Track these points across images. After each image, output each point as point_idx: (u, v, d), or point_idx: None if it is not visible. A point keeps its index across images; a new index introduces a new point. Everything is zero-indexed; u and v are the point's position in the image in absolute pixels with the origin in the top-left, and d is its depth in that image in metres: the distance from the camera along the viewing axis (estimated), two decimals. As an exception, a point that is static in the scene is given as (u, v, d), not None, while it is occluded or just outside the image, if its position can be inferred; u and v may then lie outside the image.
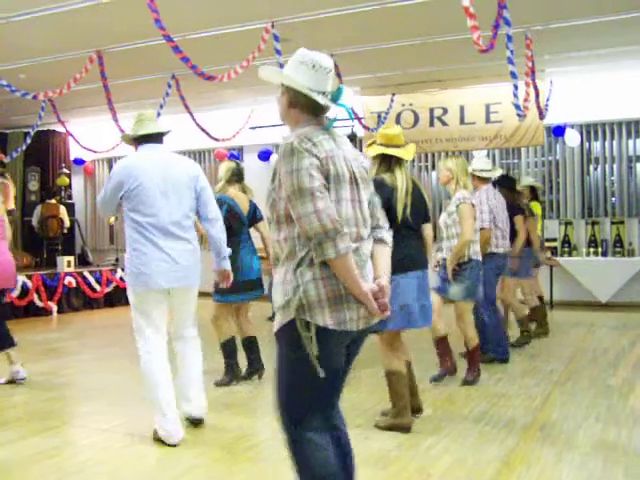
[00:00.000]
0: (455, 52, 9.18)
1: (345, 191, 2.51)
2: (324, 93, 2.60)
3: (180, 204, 4.38)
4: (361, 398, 5.40)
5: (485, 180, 6.77)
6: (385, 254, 2.67)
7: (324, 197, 2.39)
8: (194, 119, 10.77)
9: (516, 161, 12.20)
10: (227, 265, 4.73)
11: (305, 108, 2.60)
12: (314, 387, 2.54)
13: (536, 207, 8.69)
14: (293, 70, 2.60)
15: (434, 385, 5.74)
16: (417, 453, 4.08)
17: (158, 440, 4.31)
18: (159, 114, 10.17)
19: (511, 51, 6.88)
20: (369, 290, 2.46)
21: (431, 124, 12.17)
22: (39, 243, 13.31)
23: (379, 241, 2.67)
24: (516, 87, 7.61)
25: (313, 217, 2.35)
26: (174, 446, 4.23)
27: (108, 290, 12.23)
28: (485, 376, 5.90)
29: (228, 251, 4.75)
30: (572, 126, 11.31)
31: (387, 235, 2.70)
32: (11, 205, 11.41)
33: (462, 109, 11.88)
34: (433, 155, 12.61)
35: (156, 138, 4.54)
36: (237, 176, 6.04)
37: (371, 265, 2.59)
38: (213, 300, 5.88)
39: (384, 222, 2.73)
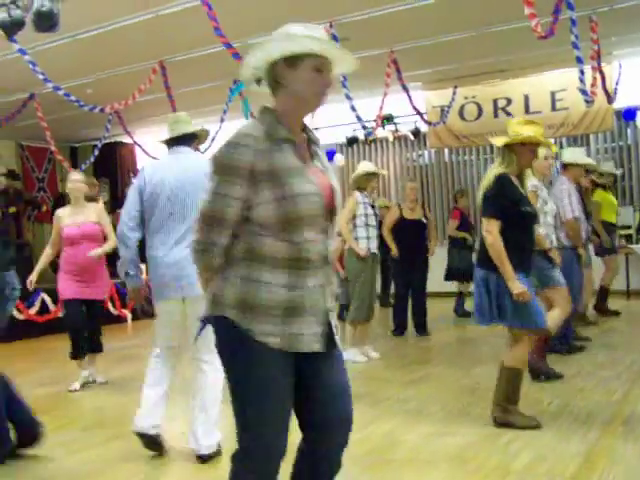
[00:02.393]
0: (516, 40, 8.99)
1: None
2: None
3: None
4: (435, 395, 5.35)
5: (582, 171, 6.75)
6: None
7: None
8: (257, 123, 10.85)
9: (585, 148, 11.88)
10: None
11: None
12: None
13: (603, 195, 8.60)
14: None
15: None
16: (495, 449, 4.00)
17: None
18: (223, 120, 10.33)
19: (575, 35, 6.71)
20: None
21: (495, 115, 11.99)
22: (112, 252, 13.59)
23: None
24: (582, 72, 7.40)
25: None
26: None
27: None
28: (561, 369, 5.77)
29: None
30: (643, 109, 10.97)
31: None
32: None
33: (526, 98, 11.65)
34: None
35: (180, 141, 4.39)
36: None
37: None
38: None
39: None
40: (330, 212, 2.35)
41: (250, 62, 2.32)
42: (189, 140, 4.42)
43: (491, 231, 4.26)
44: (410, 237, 8.24)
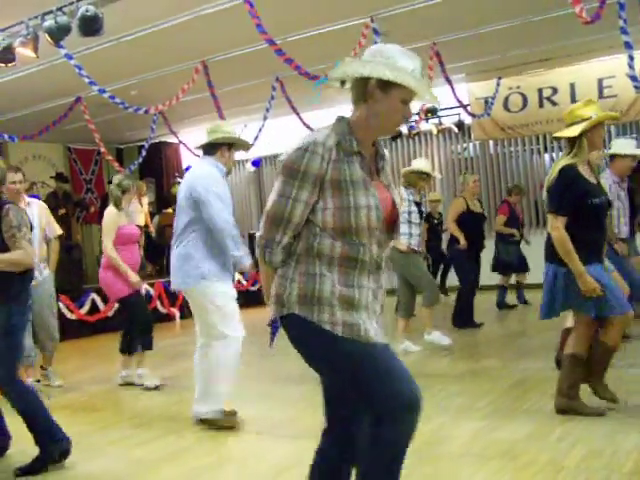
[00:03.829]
0: (560, 28, 8.82)
1: None
2: None
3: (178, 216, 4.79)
4: (483, 389, 5.30)
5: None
6: None
7: None
8: (301, 119, 10.86)
9: (634, 136, 11.62)
10: None
11: None
12: None
13: None
14: None
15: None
16: (547, 444, 3.94)
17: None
18: (266, 117, 10.36)
19: (624, 20, 6.55)
20: None
21: (540, 105, 11.81)
22: (159, 252, 13.80)
23: None
24: (631, 58, 7.22)
25: None
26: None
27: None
28: (614, 361, 5.65)
29: None
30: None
31: None
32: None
33: (572, 87, 11.44)
34: (545, 137, 12.22)
35: (206, 150, 4.91)
36: None
37: None
38: None
39: None
40: (389, 226, 2.50)
41: (346, 70, 2.43)
42: (208, 149, 4.89)
43: (557, 227, 4.18)
44: (476, 230, 8.22)
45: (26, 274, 4.18)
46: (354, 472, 2.51)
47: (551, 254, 4.30)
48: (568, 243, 4.13)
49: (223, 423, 4.70)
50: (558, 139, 10.55)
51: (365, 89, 2.38)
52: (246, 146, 5.11)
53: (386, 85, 2.34)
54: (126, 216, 6.45)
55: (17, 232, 4.03)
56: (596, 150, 4.50)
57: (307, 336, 2.39)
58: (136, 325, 6.43)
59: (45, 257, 6.46)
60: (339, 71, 2.45)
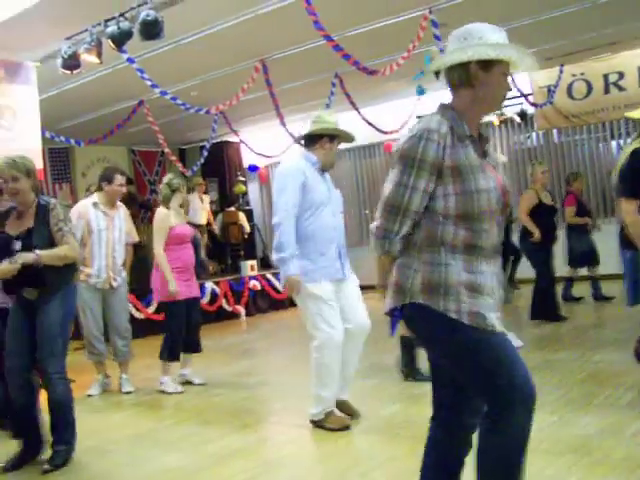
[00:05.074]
0: (626, 10, 8.56)
1: None
2: None
3: None
4: (555, 382, 5.19)
5: None
6: None
7: None
8: (361, 114, 10.83)
9: None
10: None
11: None
12: None
13: None
14: None
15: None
16: (621, 440, 3.83)
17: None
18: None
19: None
20: None
21: (606, 91, 11.49)
22: (223, 250, 13.97)
23: None
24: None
25: None
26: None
27: (292, 292, 12.52)
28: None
29: None
30: None
31: None
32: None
33: (641, 70, 11.10)
34: (611, 124, 11.90)
35: (306, 141, 4.78)
36: None
37: None
38: None
39: None
40: (503, 208, 2.47)
41: (445, 60, 2.42)
42: (308, 140, 4.74)
43: (629, 211, 4.05)
44: (549, 222, 8.07)
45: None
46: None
47: (627, 241, 4.17)
48: None
49: (329, 425, 4.54)
50: (629, 120, 10.23)
51: (467, 73, 2.38)
52: (348, 138, 4.85)
53: (487, 64, 2.36)
54: (177, 216, 6.42)
55: (64, 226, 4.23)
56: None
57: (432, 325, 2.39)
58: (168, 333, 6.39)
59: (124, 260, 6.58)
60: (438, 63, 2.46)
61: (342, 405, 4.70)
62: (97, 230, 6.32)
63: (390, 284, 2.46)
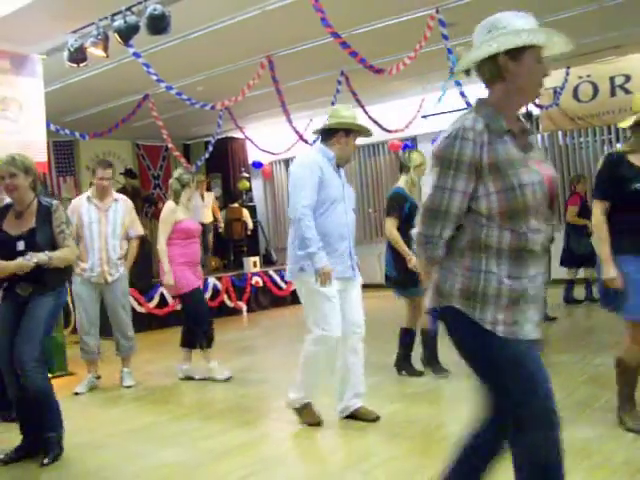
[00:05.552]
0: (632, 13, 8.54)
1: None
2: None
3: None
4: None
5: None
6: None
7: None
8: (366, 112, 10.81)
9: None
10: None
11: None
12: None
13: None
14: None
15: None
16: (621, 444, 3.83)
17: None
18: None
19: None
20: None
21: (612, 94, 11.46)
22: (226, 246, 13.97)
23: None
24: None
25: None
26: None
27: (294, 288, 12.50)
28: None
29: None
30: None
31: None
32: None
33: (648, 73, 11.06)
34: (617, 127, 11.86)
35: (322, 135, 4.71)
36: None
37: None
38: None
39: None
40: (551, 202, 2.39)
41: (472, 57, 2.36)
42: (324, 135, 4.67)
43: (595, 213, 4.10)
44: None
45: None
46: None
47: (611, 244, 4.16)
48: (600, 228, 4.04)
49: (302, 418, 4.64)
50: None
51: (496, 66, 2.31)
52: (365, 131, 4.74)
53: (517, 53, 2.27)
54: (186, 210, 6.46)
55: (66, 229, 4.30)
56: None
57: (464, 331, 2.36)
58: (190, 322, 6.57)
59: (123, 254, 6.54)
60: (465, 62, 2.39)
61: (357, 412, 4.67)
62: (88, 223, 6.33)
63: (432, 284, 2.43)
